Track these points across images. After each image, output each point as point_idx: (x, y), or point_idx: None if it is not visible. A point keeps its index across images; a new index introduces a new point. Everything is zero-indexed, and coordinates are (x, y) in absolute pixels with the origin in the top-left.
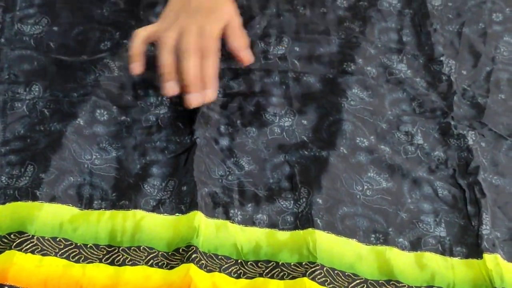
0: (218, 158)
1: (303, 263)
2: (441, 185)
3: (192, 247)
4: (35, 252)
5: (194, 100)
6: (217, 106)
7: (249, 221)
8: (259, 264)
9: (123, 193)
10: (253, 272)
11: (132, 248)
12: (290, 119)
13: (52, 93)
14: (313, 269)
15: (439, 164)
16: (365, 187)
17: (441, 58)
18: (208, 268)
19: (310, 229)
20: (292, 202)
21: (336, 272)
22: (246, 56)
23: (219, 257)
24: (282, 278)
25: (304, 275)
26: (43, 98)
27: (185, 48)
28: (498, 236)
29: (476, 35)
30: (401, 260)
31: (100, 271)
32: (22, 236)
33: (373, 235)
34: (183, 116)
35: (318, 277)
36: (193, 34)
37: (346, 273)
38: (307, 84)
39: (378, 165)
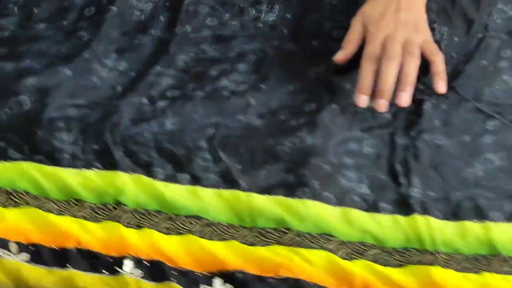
0: (144, 115)
1: (235, 225)
2: (369, 143)
3: (120, 204)
4: None
5: (381, 106)
6: (177, 70)
7: (171, 178)
8: (189, 218)
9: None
10: (185, 228)
11: (62, 201)
12: (247, 85)
13: None
14: (241, 230)
15: (382, 125)
16: (287, 145)
17: (434, 25)
18: (139, 224)
19: (234, 191)
20: (211, 163)
21: (268, 230)
22: (442, 86)
23: (150, 212)
24: (211, 238)
25: (232, 237)
26: None
27: (391, 56)
28: (431, 195)
29: (469, 2)
30: (329, 214)
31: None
32: None
33: (298, 190)
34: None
35: (248, 238)
36: (399, 42)
37: (278, 229)
38: (287, 51)
39: (311, 125)
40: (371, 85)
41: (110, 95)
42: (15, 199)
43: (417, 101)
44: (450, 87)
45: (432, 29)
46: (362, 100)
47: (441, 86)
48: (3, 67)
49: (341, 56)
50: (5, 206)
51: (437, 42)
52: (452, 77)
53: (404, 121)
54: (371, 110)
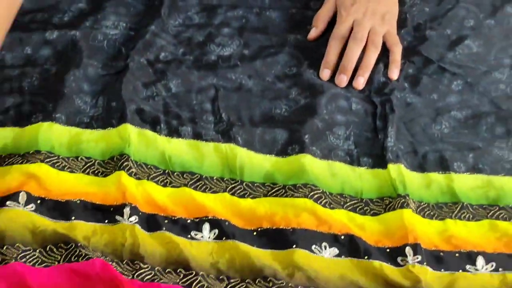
0: (149, 79)
1: (225, 179)
2: (356, 101)
3: (124, 155)
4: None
5: (342, 81)
6: (169, 35)
7: (174, 133)
8: (184, 175)
9: (58, 107)
10: (178, 183)
11: (71, 158)
12: (230, 49)
13: None
14: (233, 185)
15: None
16: (284, 108)
17: None
18: (137, 176)
19: (231, 145)
20: (213, 124)
21: (256, 184)
22: (395, 74)
23: (148, 166)
24: (205, 190)
25: (224, 190)
26: None
27: (358, 39)
28: (401, 148)
29: None
30: (315, 166)
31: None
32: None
33: (290, 147)
34: (129, 41)
35: (238, 191)
36: (366, 28)
37: (266, 184)
38: (267, 18)
39: (300, 85)
40: (335, 62)
41: (114, 51)
42: (30, 159)
43: (386, 65)
44: (416, 51)
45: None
46: (325, 74)
47: (395, 73)
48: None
49: (313, 34)
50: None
51: (404, 12)
52: (418, 41)
53: (377, 82)
54: None
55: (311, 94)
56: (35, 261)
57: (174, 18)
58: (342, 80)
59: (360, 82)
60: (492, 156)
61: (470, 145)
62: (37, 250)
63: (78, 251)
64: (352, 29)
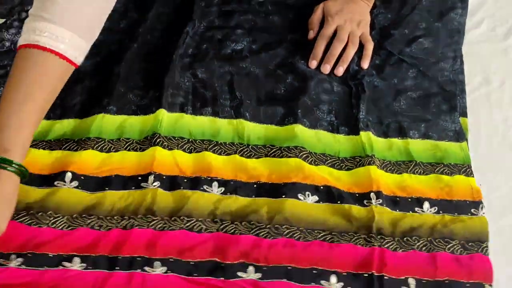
0: (182, 70)
1: (235, 143)
2: (337, 84)
3: (156, 134)
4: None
5: (326, 69)
6: (196, 35)
7: (197, 112)
8: (204, 141)
9: (114, 99)
10: (200, 148)
11: (115, 140)
12: (242, 45)
13: None
14: (241, 147)
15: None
16: (282, 90)
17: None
18: (169, 147)
19: (240, 120)
20: (229, 101)
21: (258, 147)
22: (366, 64)
23: (176, 138)
24: (220, 154)
25: (235, 152)
26: None
27: (340, 39)
28: (370, 119)
29: None
30: (304, 134)
31: (93, 155)
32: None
33: (286, 119)
34: (171, 43)
35: (245, 153)
36: (347, 32)
37: (266, 145)
38: (270, 21)
39: (295, 72)
40: (321, 55)
41: (162, 52)
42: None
43: (359, 57)
44: (382, 47)
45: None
46: (313, 64)
47: (366, 63)
48: None
49: (312, 35)
50: (76, 150)
51: (374, 19)
52: (383, 39)
53: (352, 70)
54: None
55: (302, 79)
56: (63, 226)
57: (200, 22)
58: (326, 68)
59: (340, 71)
60: (439, 126)
61: (422, 117)
62: (65, 217)
63: (99, 222)
64: (335, 31)
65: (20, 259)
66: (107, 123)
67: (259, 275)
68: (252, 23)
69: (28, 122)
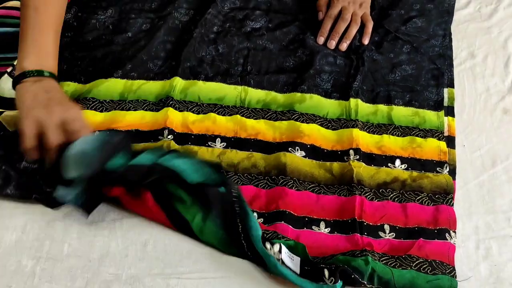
0: (205, 44)
1: (237, 106)
2: (340, 58)
3: (169, 97)
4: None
5: (332, 44)
6: (220, 15)
7: (209, 80)
8: (210, 105)
9: (135, 66)
10: (207, 110)
11: (134, 100)
12: (260, 23)
13: None
14: (242, 110)
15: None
16: (291, 62)
17: None
18: (180, 109)
19: (245, 87)
20: (239, 71)
21: (257, 110)
22: (366, 40)
23: (187, 102)
24: (224, 115)
25: (237, 113)
26: None
27: (344, 19)
28: (364, 88)
29: None
30: (300, 98)
31: (115, 114)
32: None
33: (285, 87)
34: (195, 21)
35: (245, 114)
36: (350, 12)
37: (264, 109)
38: (284, 3)
39: (305, 47)
40: (327, 33)
41: (185, 29)
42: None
43: (360, 35)
44: (381, 25)
45: None
46: (321, 40)
47: (366, 40)
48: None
49: (321, 16)
50: (100, 111)
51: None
52: (382, 18)
53: (353, 46)
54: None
55: (310, 53)
56: None
57: (223, 4)
58: (332, 44)
59: (344, 46)
60: (422, 96)
61: (411, 88)
62: None
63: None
64: (340, 12)
65: None
66: (129, 86)
67: (261, 219)
68: (268, 5)
69: (53, 39)
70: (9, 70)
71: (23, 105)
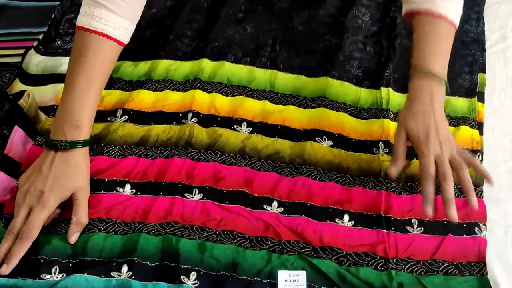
0: (233, 24)
1: (267, 90)
2: (370, 44)
3: (197, 79)
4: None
5: (454, 216)
6: None
7: (238, 61)
8: (240, 87)
9: (163, 47)
10: (236, 92)
11: (161, 80)
12: (287, 3)
13: None
14: (271, 95)
15: (373, 34)
16: (321, 45)
17: None
18: (208, 90)
19: (274, 70)
20: (268, 52)
21: (287, 95)
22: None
23: (215, 83)
24: (253, 98)
25: (265, 98)
26: None
27: (448, 178)
28: (395, 76)
29: None
30: (330, 85)
31: (142, 94)
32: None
33: (316, 71)
34: (220, 1)
35: (274, 99)
36: (447, 161)
37: (293, 95)
38: None
39: (335, 30)
40: (434, 198)
41: (210, 8)
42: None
43: (393, 17)
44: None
45: None
46: (430, 211)
47: (489, 180)
48: None
49: (393, 173)
50: (127, 90)
51: None
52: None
53: (385, 31)
54: (364, 24)
55: (340, 37)
56: (114, 154)
57: None
58: (453, 215)
59: (455, 215)
60: (456, 84)
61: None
62: (117, 147)
63: (146, 152)
64: (437, 166)
65: None
66: (155, 66)
67: (281, 209)
68: None
69: (93, 103)
70: (34, 44)
71: (28, 172)
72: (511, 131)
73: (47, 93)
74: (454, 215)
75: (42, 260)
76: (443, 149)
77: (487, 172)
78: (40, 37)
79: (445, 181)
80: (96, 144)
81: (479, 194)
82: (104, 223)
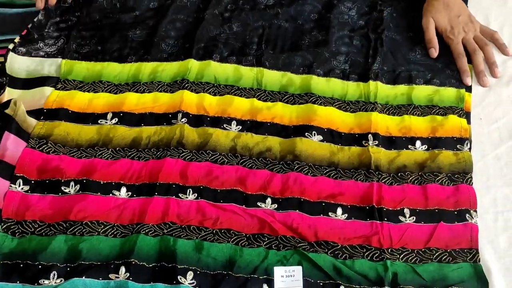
0: (219, 24)
1: (254, 89)
2: (357, 38)
3: (185, 80)
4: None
5: (486, 82)
6: None
7: (224, 60)
8: (227, 86)
9: (148, 50)
10: (223, 92)
11: (148, 82)
12: (272, 0)
13: None
14: (258, 92)
15: (359, 28)
16: (307, 41)
17: None
18: (196, 91)
19: (260, 68)
20: (254, 50)
21: (274, 92)
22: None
23: (203, 83)
24: (241, 96)
25: (253, 96)
26: None
27: (477, 52)
28: (384, 68)
29: None
30: (316, 82)
31: (133, 96)
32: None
33: (301, 68)
34: (205, 0)
35: (262, 97)
36: (473, 39)
37: (281, 92)
38: None
39: (321, 26)
40: (468, 70)
41: (195, 8)
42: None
43: (379, 11)
44: (398, 2)
45: None
46: (468, 81)
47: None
48: None
49: (434, 53)
50: (115, 93)
51: None
52: None
53: (372, 25)
54: (351, 19)
55: (326, 33)
56: (107, 157)
57: None
58: (486, 81)
59: (487, 83)
60: (444, 74)
61: (432, 66)
62: (109, 150)
63: (138, 154)
64: (464, 45)
65: (77, 186)
66: (143, 69)
67: (275, 205)
68: None
69: None
70: (11, 47)
71: None
72: (498, 119)
73: (34, 97)
74: (486, 83)
75: (40, 266)
76: (466, 31)
77: (503, 42)
78: (17, 40)
79: (475, 54)
80: (89, 148)
81: (469, 181)
82: (102, 226)
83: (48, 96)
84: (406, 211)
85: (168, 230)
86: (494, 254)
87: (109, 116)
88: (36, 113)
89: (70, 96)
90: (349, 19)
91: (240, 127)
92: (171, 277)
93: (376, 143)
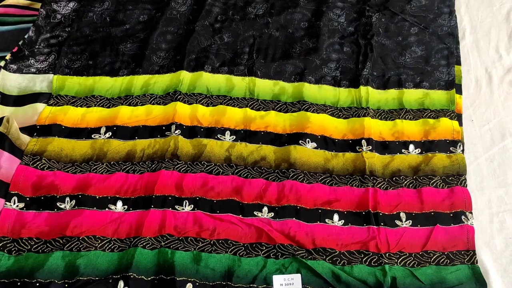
0: (209, 35)
1: (247, 98)
2: (347, 44)
3: (177, 91)
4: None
5: None
6: (220, 3)
7: (215, 71)
8: (220, 97)
9: (140, 63)
10: (216, 102)
11: (141, 95)
12: (262, 10)
13: None
14: (251, 102)
15: (349, 34)
16: (297, 49)
17: None
18: (189, 102)
19: (252, 77)
20: (245, 60)
21: (267, 101)
22: None
23: (195, 94)
24: (234, 106)
25: (246, 106)
26: None
27: None
28: (374, 74)
29: None
30: (308, 89)
31: (126, 110)
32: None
33: (293, 77)
34: (194, 11)
35: (255, 106)
36: None
37: (274, 100)
38: None
39: (311, 34)
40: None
41: (185, 20)
42: (112, 102)
43: (368, 17)
44: (385, 7)
45: None
46: None
47: None
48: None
49: None
50: (108, 107)
51: None
52: (385, 1)
53: (362, 30)
54: (340, 26)
55: (316, 40)
56: (102, 171)
57: None
58: None
59: None
60: (433, 77)
61: (421, 69)
62: (105, 164)
63: (133, 167)
64: None
65: (73, 202)
66: (134, 82)
67: (271, 214)
68: None
69: None
70: (2, 64)
71: None
72: (489, 121)
73: (26, 113)
74: None
75: (37, 284)
76: None
77: None
78: (8, 57)
79: None
80: (84, 163)
81: (463, 183)
82: (99, 241)
83: (40, 112)
84: (402, 215)
85: (166, 242)
86: (491, 256)
87: (103, 130)
88: (29, 130)
89: (63, 111)
90: (338, 26)
91: (234, 137)
92: None
93: (370, 148)
